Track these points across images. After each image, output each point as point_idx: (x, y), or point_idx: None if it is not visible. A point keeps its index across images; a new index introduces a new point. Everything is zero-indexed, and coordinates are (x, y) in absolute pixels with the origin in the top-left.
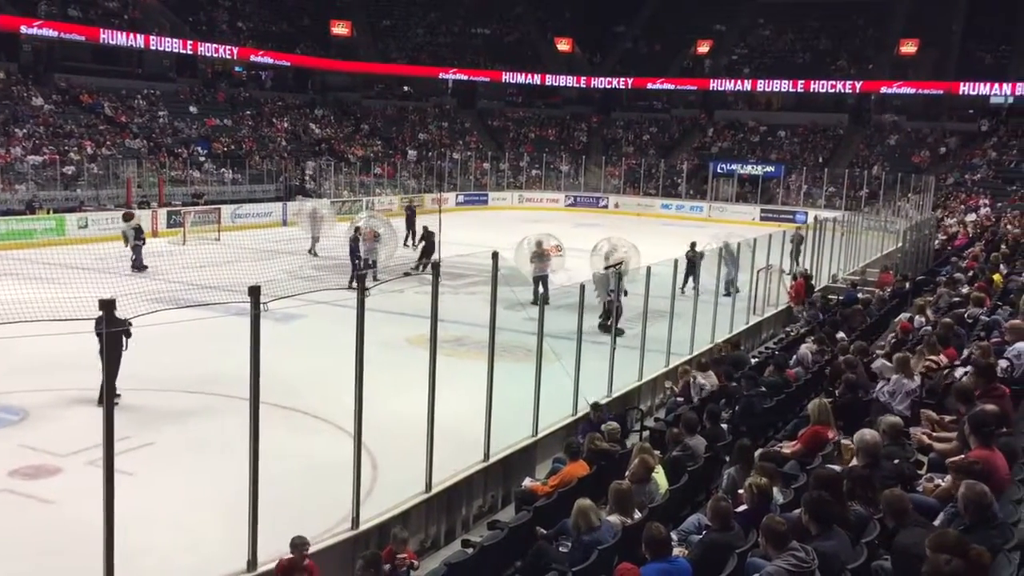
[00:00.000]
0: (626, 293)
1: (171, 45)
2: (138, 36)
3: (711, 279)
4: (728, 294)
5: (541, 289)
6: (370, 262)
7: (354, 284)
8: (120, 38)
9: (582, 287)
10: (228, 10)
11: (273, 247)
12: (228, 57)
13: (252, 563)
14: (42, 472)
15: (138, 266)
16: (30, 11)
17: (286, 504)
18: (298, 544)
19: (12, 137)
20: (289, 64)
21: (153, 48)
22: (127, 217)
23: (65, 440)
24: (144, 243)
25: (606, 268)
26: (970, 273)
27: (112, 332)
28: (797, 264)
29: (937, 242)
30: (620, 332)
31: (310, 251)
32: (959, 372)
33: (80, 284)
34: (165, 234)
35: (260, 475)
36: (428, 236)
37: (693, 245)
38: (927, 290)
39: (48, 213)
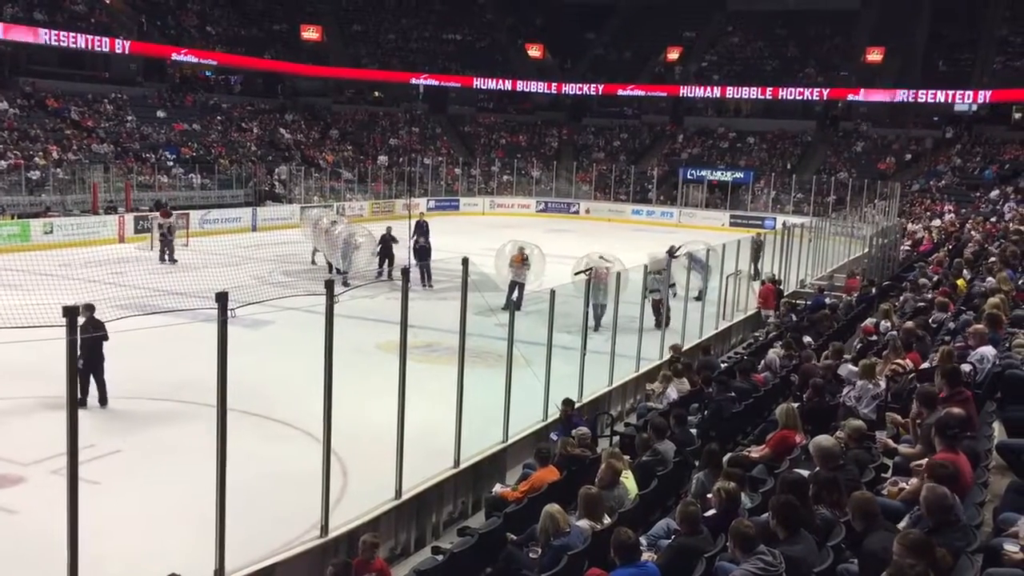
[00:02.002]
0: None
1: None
2: (103, 40)
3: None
4: (699, 299)
5: (516, 295)
6: (343, 269)
7: (348, 283)
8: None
9: (552, 293)
10: (197, 14)
11: (242, 253)
12: (197, 61)
13: (220, 571)
14: (5, 482)
15: (170, 259)
16: None
17: (254, 511)
18: (369, 544)
19: None
20: (259, 69)
21: (119, 52)
22: (164, 215)
23: (28, 449)
24: (173, 238)
25: (576, 274)
26: (935, 278)
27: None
28: (758, 269)
29: (903, 248)
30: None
31: (312, 261)
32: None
33: (44, 291)
34: (132, 240)
35: (228, 482)
36: (386, 240)
37: (671, 250)
38: (893, 295)
39: (12, 218)
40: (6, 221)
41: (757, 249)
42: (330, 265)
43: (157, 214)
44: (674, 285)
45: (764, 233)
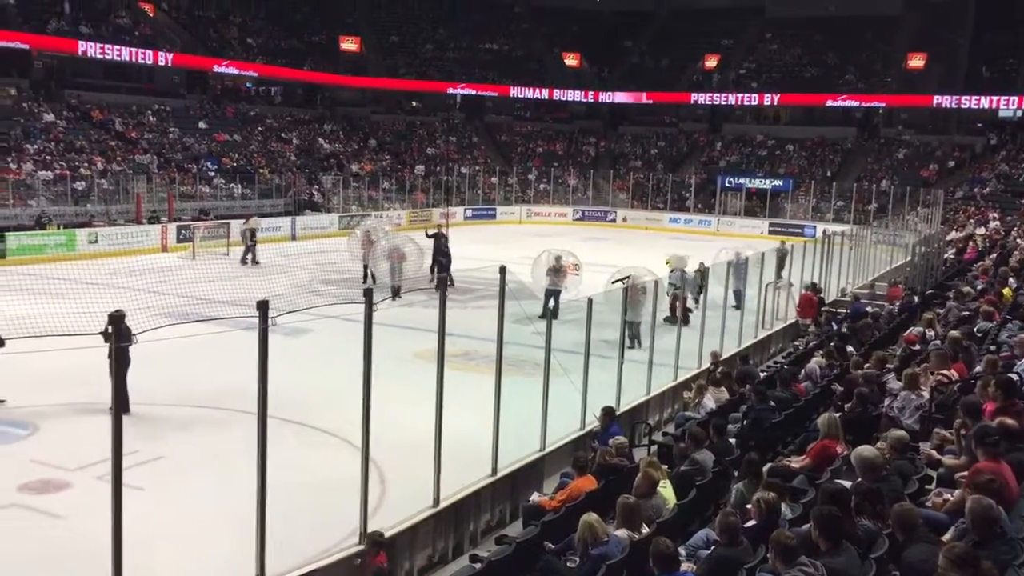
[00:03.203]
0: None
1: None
2: (147, 53)
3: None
4: (738, 307)
5: (552, 303)
6: (392, 282)
7: (400, 295)
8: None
9: (590, 301)
10: (238, 26)
11: (282, 261)
12: (238, 73)
13: None
14: (51, 487)
15: (253, 261)
16: (39, 28)
17: (294, 518)
18: (373, 541)
19: (23, 153)
20: (298, 80)
21: (162, 64)
22: (249, 222)
23: (74, 455)
24: (255, 243)
25: (613, 282)
26: (980, 287)
27: (120, 346)
28: (781, 278)
29: (946, 256)
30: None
31: (365, 280)
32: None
33: (89, 299)
34: (175, 249)
35: (268, 489)
36: (438, 244)
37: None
38: (936, 304)
39: (58, 228)
40: (53, 231)
41: (782, 259)
42: (372, 276)
43: (243, 220)
44: (702, 288)
45: (789, 241)
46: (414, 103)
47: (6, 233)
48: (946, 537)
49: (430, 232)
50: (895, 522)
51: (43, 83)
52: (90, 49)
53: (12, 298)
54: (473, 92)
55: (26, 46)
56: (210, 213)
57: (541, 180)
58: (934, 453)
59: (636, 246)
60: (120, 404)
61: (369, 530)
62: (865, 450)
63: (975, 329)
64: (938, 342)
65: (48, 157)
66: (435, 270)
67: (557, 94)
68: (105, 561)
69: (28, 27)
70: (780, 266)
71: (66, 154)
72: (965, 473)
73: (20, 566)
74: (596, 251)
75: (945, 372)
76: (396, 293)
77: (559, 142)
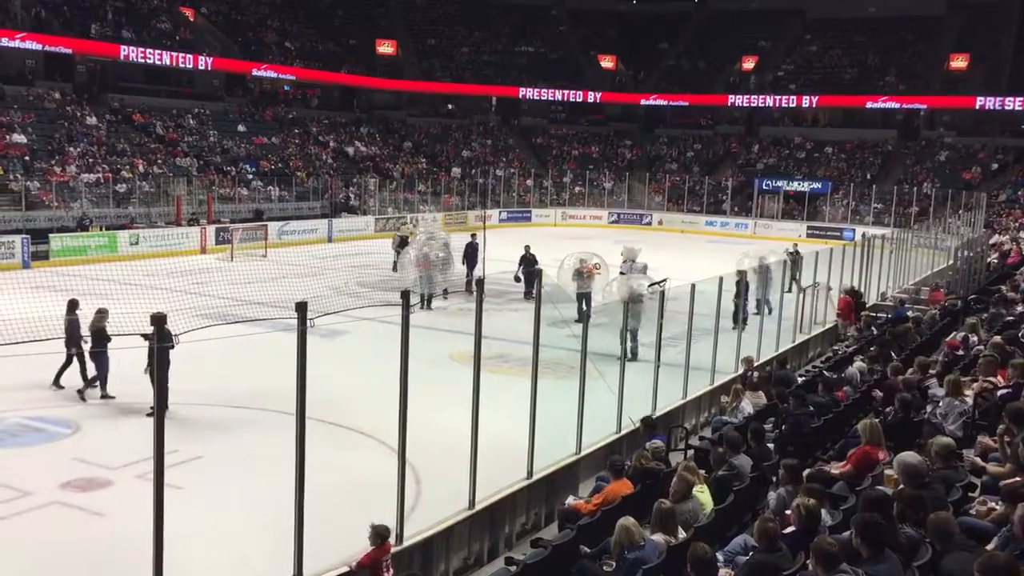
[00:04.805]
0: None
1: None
2: (187, 57)
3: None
4: (758, 313)
5: (583, 306)
6: (423, 291)
7: (431, 306)
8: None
9: (625, 305)
10: (276, 30)
11: (319, 263)
12: (276, 76)
13: None
14: (93, 485)
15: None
16: (82, 33)
17: (331, 519)
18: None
19: (67, 156)
20: (335, 83)
21: (202, 68)
22: (401, 230)
23: (116, 453)
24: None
25: (650, 286)
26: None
27: (162, 347)
28: (796, 282)
29: (990, 260)
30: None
31: (424, 304)
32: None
33: (131, 300)
34: (213, 251)
35: (306, 490)
36: (471, 248)
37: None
38: (979, 309)
39: (101, 230)
40: (95, 232)
41: (794, 263)
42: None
43: (401, 227)
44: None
45: (829, 245)
46: (450, 106)
47: (50, 234)
48: (990, 546)
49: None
50: (931, 530)
51: (86, 87)
52: (132, 53)
53: (55, 299)
54: (509, 95)
55: (69, 50)
56: (263, 214)
57: (576, 183)
58: (979, 460)
59: (671, 249)
60: (162, 404)
61: (405, 532)
62: (908, 456)
63: (1020, 335)
64: (981, 347)
65: (91, 160)
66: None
67: (593, 96)
68: (145, 559)
69: (71, 32)
70: (795, 269)
71: (108, 157)
72: (1010, 480)
73: (62, 562)
74: None
75: (992, 379)
76: (427, 302)
77: (595, 145)
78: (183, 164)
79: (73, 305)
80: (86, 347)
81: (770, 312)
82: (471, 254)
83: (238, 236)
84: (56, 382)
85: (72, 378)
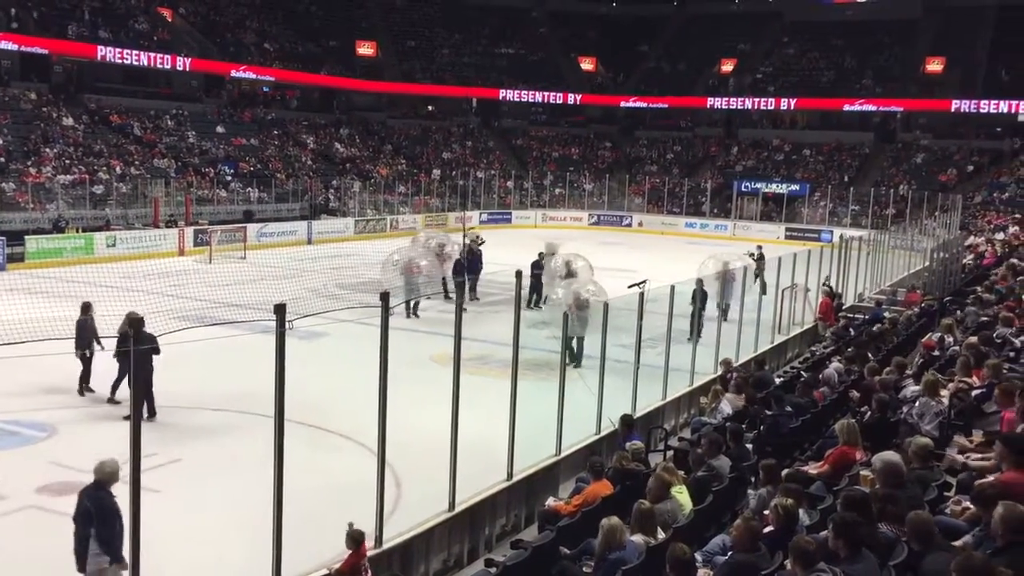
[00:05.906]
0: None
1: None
2: (166, 57)
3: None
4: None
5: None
6: (409, 300)
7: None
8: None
9: (605, 306)
10: (255, 31)
11: (298, 265)
12: (255, 77)
13: None
14: (69, 488)
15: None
16: (59, 33)
17: (310, 521)
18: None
19: (43, 157)
20: (315, 84)
21: (180, 69)
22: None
23: (92, 457)
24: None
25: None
26: (998, 292)
27: (141, 349)
28: (763, 283)
29: (965, 261)
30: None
31: (446, 296)
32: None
33: (108, 302)
34: (191, 253)
35: (284, 492)
36: (472, 251)
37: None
38: (955, 309)
39: (77, 232)
40: (71, 234)
41: (758, 260)
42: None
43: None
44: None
45: (807, 246)
46: (430, 107)
47: (25, 236)
48: (959, 543)
49: (476, 243)
50: (911, 530)
51: (62, 87)
52: (109, 54)
53: (31, 301)
54: (489, 97)
55: (45, 51)
56: (254, 214)
57: (556, 184)
58: (959, 457)
59: (651, 250)
60: (139, 405)
61: (384, 534)
62: (889, 455)
63: (994, 335)
64: (957, 348)
65: (67, 161)
66: (445, 281)
67: (573, 98)
68: None
69: (47, 32)
70: (759, 270)
71: (85, 158)
72: (989, 479)
73: (39, 567)
74: (611, 255)
75: (967, 380)
76: (413, 310)
77: (575, 146)
78: (161, 165)
79: (87, 307)
80: (97, 348)
81: (725, 319)
82: (473, 262)
83: (216, 238)
84: (83, 390)
85: (71, 379)
